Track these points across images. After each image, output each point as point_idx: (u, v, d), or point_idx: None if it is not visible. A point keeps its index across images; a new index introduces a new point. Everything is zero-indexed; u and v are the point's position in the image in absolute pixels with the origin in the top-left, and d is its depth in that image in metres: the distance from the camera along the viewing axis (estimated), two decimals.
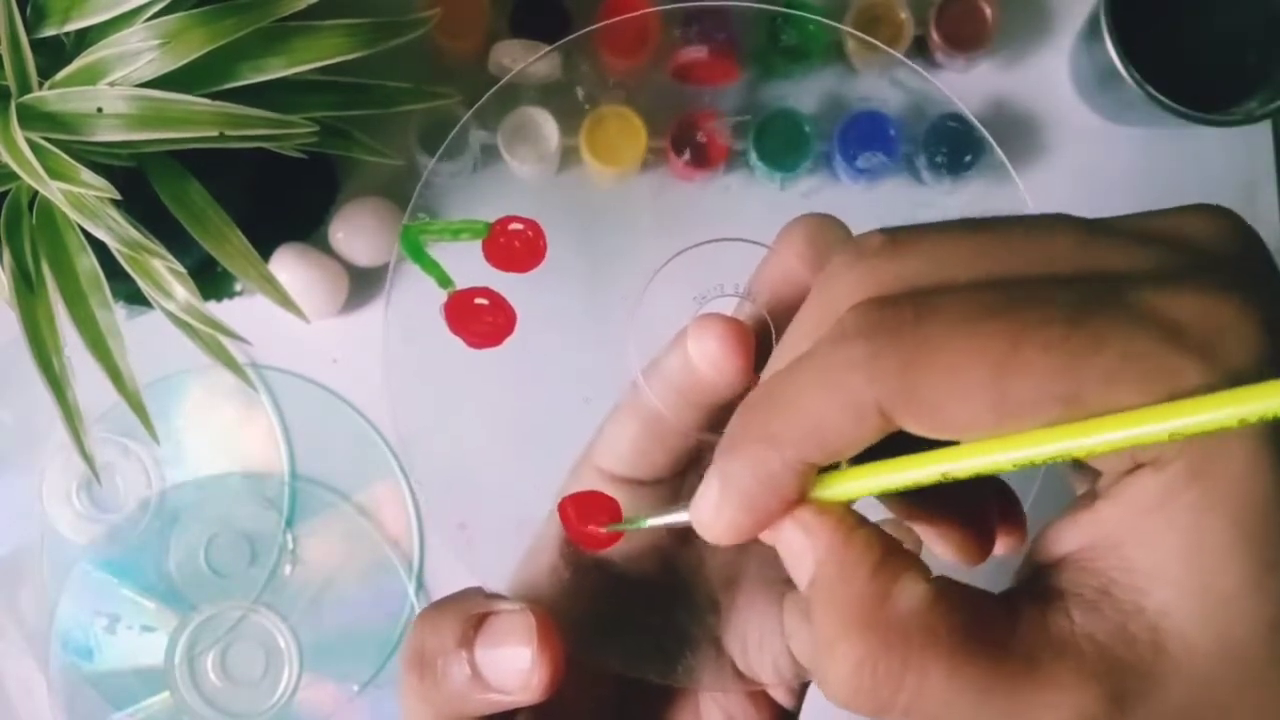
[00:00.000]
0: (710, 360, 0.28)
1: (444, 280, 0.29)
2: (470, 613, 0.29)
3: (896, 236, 0.23)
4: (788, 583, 0.32)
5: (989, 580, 0.23)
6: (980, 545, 0.26)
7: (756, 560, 0.33)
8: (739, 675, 0.33)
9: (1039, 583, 0.22)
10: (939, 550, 0.26)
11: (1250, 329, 0.20)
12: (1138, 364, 0.20)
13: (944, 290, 0.21)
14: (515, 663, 0.28)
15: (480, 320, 0.29)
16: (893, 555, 0.22)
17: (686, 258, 0.31)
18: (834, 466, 0.23)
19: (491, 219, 0.29)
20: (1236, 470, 0.20)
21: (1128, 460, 0.21)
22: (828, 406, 0.21)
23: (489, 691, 0.28)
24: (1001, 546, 0.27)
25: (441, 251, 0.29)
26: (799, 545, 0.23)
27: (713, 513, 0.23)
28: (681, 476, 0.33)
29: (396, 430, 0.31)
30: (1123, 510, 0.21)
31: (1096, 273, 0.21)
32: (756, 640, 0.32)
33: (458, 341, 0.29)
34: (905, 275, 0.22)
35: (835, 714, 0.54)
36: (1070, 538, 0.22)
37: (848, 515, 0.23)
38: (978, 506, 0.26)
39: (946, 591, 0.21)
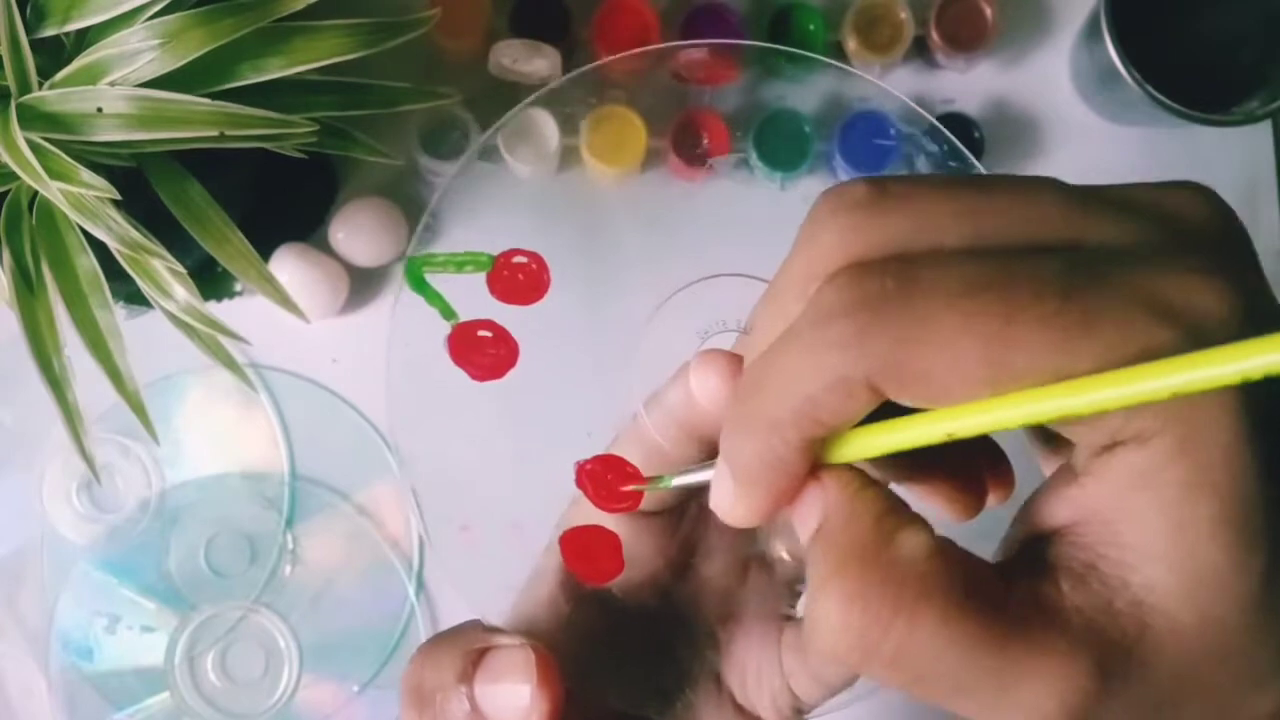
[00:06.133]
0: (711, 395, 0.29)
1: (447, 312, 0.29)
2: (470, 648, 0.29)
3: (882, 188, 0.23)
4: (786, 618, 0.33)
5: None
6: (973, 499, 0.26)
7: (755, 595, 0.33)
8: (738, 710, 0.33)
9: (1029, 554, 0.22)
10: (933, 506, 0.26)
11: (1236, 314, 0.20)
12: (1130, 345, 0.20)
13: (929, 257, 0.21)
14: (514, 699, 0.27)
15: (483, 353, 0.29)
16: (898, 510, 0.22)
17: (689, 290, 0.32)
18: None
19: (495, 251, 0.30)
20: (1221, 447, 0.20)
21: (1106, 436, 0.21)
22: (818, 386, 0.22)
23: None
24: (992, 500, 0.27)
25: (445, 282, 0.30)
26: (809, 499, 0.23)
27: (730, 502, 0.24)
28: (681, 508, 0.33)
29: (398, 449, 0.31)
30: (1108, 487, 0.21)
31: (1084, 243, 0.21)
32: (755, 675, 0.32)
33: (461, 371, 0.30)
34: (888, 236, 0.22)
35: None
36: (1058, 512, 0.22)
37: (857, 474, 0.23)
38: (967, 463, 0.26)
39: (947, 549, 0.22)
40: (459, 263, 0.29)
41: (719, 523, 0.33)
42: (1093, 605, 0.21)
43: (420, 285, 0.29)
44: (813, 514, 0.23)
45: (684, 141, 0.53)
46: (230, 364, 0.44)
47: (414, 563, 0.56)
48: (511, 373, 0.30)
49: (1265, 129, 0.58)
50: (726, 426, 0.24)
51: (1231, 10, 0.55)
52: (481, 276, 0.30)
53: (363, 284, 0.56)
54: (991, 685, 0.21)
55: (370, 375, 0.57)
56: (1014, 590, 0.21)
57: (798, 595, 0.33)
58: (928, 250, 0.22)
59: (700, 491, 0.32)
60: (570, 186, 0.55)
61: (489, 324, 0.29)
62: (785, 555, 0.33)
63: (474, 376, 0.29)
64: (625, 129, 0.52)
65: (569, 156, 0.53)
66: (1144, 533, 0.21)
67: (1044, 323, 0.20)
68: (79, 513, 0.55)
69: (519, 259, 0.29)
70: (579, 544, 0.30)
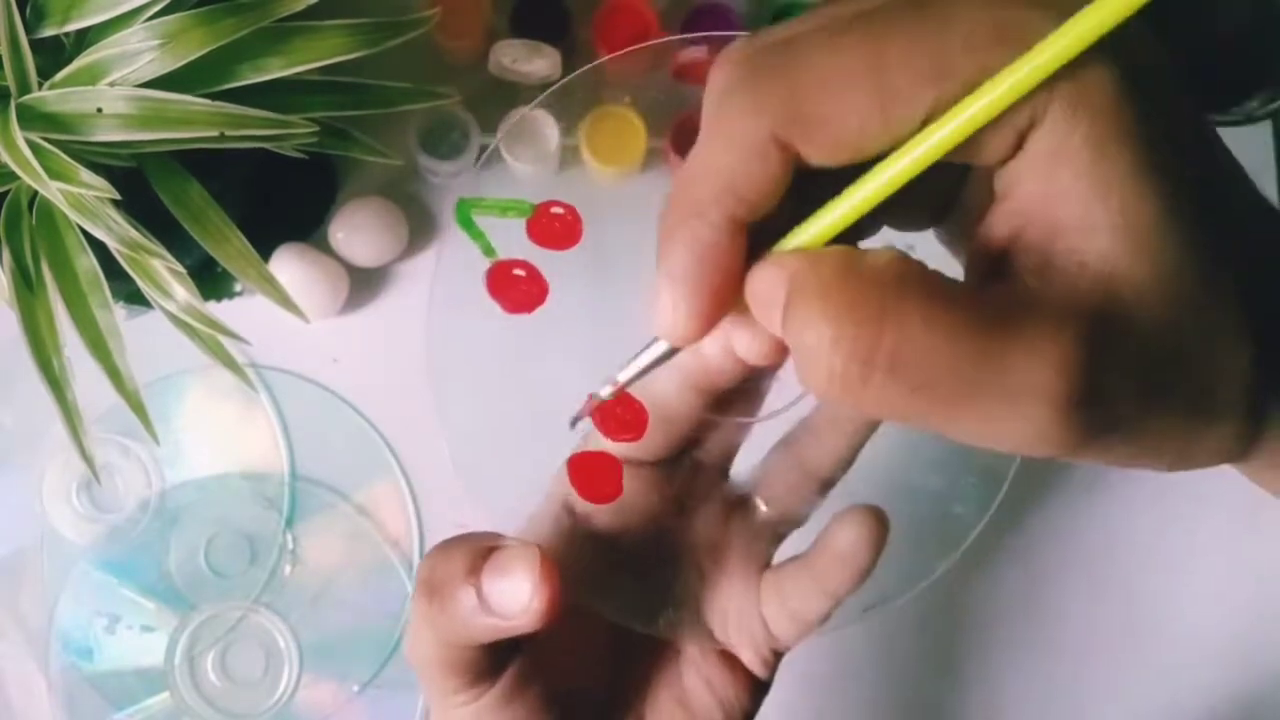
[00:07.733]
0: (716, 345, 0.31)
1: (488, 250, 0.33)
2: (479, 546, 0.31)
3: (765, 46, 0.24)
4: (765, 566, 0.35)
5: None
6: None
7: (737, 545, 0.35)
8: (719, 651, 0.36)
9: (986, 273, 0.23)
10: None
11: None
12: (989, 26, 0.21)
13: (797, 21, 0.23)
14: (517, 593, 0.29)
15: (516, 288, 0.32)
16: (858, 249, 0.23)
17: None
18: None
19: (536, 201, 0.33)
20: (1108, 95, 0.21)
21: (1011, 134, 0.22)
22: (730, 157, 0.23)
23: (492, 616, 0.29)
24: None
25: (489, 226, 0.33)
26: (773, 279, 0.23)
27: (671, 312, 0.24)
28: (676, 460, 0.35)
29: (436, 391, 0.34)
30: (1031, 180, 0.22)
31: None
32: (736, 619, 0.35)
33: (494, 310, 0.33)
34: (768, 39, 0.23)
35: (807, 687, 0.54)
36: (998, 231, 0.23)
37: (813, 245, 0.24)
38: None
39: (913, 260, 0.22)
40: (503, 207, 0.33)
41: (708, 476, 0.35)
42: (1060, 292, 0.22)
43: (467, 224, 0.32)
44: (778, 287, 0.23)
45: (684, 141, 0.53)
46: (230, 364, 0.44)
47: (414, 563, 0.56)
48: (540, 311, 0.33)
49: (1265, 129, 0.58)
50: (659, 234, 0.24)
51: (1232, 10, 0.55)
52: (522, 223, 0.33)
53: (363, 284, 0.56)
54: (989, 371, 0.21)
55: (370, 375, 0.57)
56: (985, 290, 0.23)
57: (778, 540, 0.36)
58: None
59: (694, 446, 0.35)
60: (570, 186, 0.55)
61: (523, 264, 0.32)
62: (764, 506, 0.36)
63: (506, 309, 0.32)
64: (625, 129, 0.52)
65: (569, 156, 0.53)
66: (1076, 207, 0.22)
67: (909, 34, 0.21)
68: (79, 513, 0.55)
69: (556, 209, 0.32)
70: (584, 467, 0.33)
